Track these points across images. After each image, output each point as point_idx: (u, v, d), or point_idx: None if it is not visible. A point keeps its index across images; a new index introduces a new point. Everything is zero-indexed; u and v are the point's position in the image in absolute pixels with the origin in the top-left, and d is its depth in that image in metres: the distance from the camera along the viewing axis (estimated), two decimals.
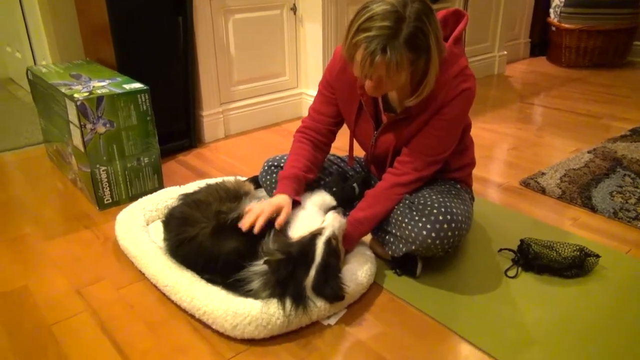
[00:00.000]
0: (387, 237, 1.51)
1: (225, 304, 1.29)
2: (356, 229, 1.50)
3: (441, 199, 1.44)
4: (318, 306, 1.32)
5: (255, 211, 1.41)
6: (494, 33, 3.89)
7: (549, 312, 1.39)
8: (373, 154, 1.61)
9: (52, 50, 2.65)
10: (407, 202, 1.47)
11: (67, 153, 2.08)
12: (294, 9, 2.81)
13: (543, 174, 2.18)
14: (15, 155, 2.53)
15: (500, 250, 1.66)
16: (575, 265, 1.52)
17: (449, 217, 1.39)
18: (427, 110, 1.42)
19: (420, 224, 1.40)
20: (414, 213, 1.43)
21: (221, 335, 1.31)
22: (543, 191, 2.05)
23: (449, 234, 1.38)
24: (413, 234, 1.40)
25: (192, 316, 1.37)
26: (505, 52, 4.06)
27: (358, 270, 1.46)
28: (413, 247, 1.41)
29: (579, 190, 2.02)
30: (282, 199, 1.46)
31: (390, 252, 1.50)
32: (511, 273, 1.55)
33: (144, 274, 1.54)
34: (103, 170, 1.93)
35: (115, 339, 1.31)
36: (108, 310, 1.42)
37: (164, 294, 1.46)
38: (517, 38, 4.46)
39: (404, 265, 1.54)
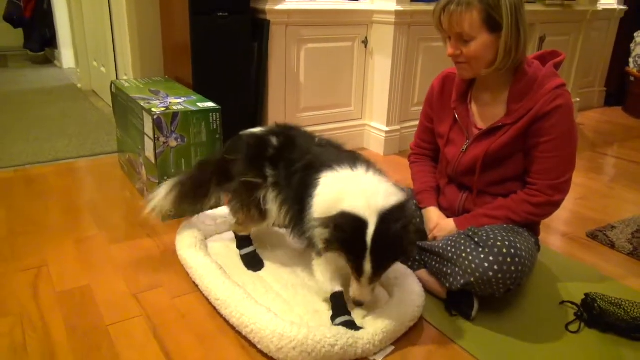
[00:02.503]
0: (444, 269, 1.47)
1: (273, 325, 1.30)
2: (470, 219, 1.56)
3: (504, 234, 1.40)
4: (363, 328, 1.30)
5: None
6: (567, 78, 3.78)
7: None
8: (460, 163, 1.63)
9: (135, 67, 2.82)
10: (469, 233, 1.44)
11: (139, 163, 2.20)
12: (365, 42, 2.87)
13: (613, 227, 2.07)
14: (90, 162, 2.69)
15: (563, 302, 1.58)
16: None
17: (512, 251, 1.34)
18: (523, 119, 1.49)
19: (482, 256, 1.36)
20: (476, 244, 1.39)
21: (267, 356, 1.31)
22: (612, 245, 1.94)
23: (512, 268, 1.34)
24: (473, 265, 1.36)
25: (240, 333, 1.38)
26: (578, 99, 3.94)
27: (407, 302, 1.42)
28: (472, 279, 1.37)
29: None
30: (435, 212, 1.70)
31: (447, 285, 1.47)
32: (573, 328, 1.46)
33: (198, 286, 1.58)
34: None
35: (166, 347, 1.34)
36: (161, 317, 1.46)
37: (215, 308, 1.48)
38: (592, 86, 4.31)
39: (459, 305, 1.49)
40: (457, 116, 1.64)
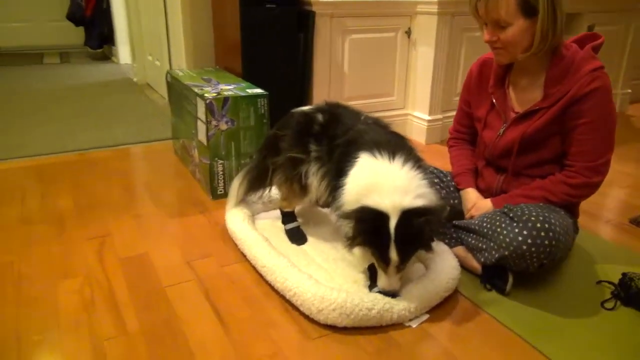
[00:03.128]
0: (480, 244, 1.53)
1: (315, 289, 1.39)
2: (507, 199, 1.59)
3: (539, 210, 1.44)
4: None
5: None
6: (617, 69, 3.70)
7: (630, 347, 1.32)
8: (496, 146, 1.67)
9: (188, 58, 2.99)
10: (505, 210, 1.49)
11: (191, 147, 2.34)
12: (408, 33, 2.92)
13: None
14: (146, 148, 2.88)
15: (600, 282, 1.60)
16: None
17: (546, 225, 1.39)
18: (560, 101, 1.51)
19: (516, 230, 1.41)
20: (511, 219, 1.44)
21: (308, 317, 1.41)
22: None
23: (546, 242, 1.38)
24: (508, 239, 1.42)
25: (284, 297, 1.49)
26: (630, 91, 3.84)
27: (441, 274, 1.49)
28: (506, 253, 1.42)
29: None
30: (473, 192, 1.75)
31: (482, 260, 1.52)
32: (608, 305, 1.49)
33: (245, 257, 1.70)
34: (220, 164, 2.14)
35: (216, 306, 1.47)
36: (212, 282, 1.59)
37: (261, 276, 1.59)
38: None
39: (494, 280, 1.54)
40: (494, 100, 1.69)
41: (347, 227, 1.39)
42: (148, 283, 1.58)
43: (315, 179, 1.65)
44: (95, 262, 1.69)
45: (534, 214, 1.42)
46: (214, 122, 2.07)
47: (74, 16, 5.65)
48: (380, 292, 1.42)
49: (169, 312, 1.44)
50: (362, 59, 2.86)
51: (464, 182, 1.79)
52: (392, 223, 1.30)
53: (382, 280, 1.40)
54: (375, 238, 1.33)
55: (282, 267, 1.52)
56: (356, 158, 1.45)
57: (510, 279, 1.51)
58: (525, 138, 1.59)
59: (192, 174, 2.44)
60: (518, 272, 1.51)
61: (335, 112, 1.66)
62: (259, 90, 2.17)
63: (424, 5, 2.80)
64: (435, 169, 1.88)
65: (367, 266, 1.53)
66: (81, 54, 6.15)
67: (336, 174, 1.53)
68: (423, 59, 2.92)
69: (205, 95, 2.06)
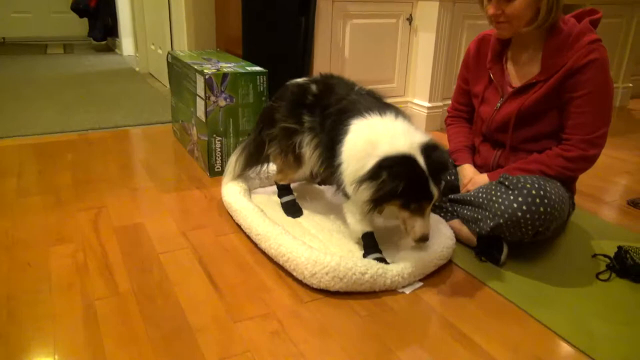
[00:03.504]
0: (475, 214, 1.52)
1: (308, 253, 1.39)
2: (502, 173, 1.56)
3: (535, 179, 1.44)
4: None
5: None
6: (619, 63, 3.70)
7: (628, 315, 1.31)
8: (493, 120, 1.67)
9: (190, 43, 3.00)
10: (500, 179, 1.49)
11: (190, 125, 2.34)
12: (409, 19, 2.92)
13: None
14: (145, 129, 2.88)
15: (595, 255, 1.59)
16: None
17: (541, 192, 1.38)
18: (557, 74, 1.51)
19: (511, 197, 1.40)
20: (506, 188, 1.44)
21: (301, 283, 1.40)
22: None
23: (541, 209, 1.37)
24: (503, 207, 1.41)
25: (277, 264, 1.48)
26: (631, 85, 3.83)
27: (436, 243, 1.48)
28: (501, 221, 1.41)
29: None
30: (470, 168, 1.75)
31: (477, 230, 1.51)
32: (603, 277, 1.48)
33: (241, 228, 1.69)
34: (218, 140, 2.14)
35: (210, 272, 1.46)
36: (206, 250, 1.58)
37: (255, 245, 1.59)
38: None
39: (489, 251, 1.54)
40: (492, 75, 1.68)
41: (367, 190, 1.33)
42: (142, 249, 1.57)
43: (308, 150, 1.65)
44: (90, 230, 1.68)
45: (529, 181, 1.42)
46: (212, 98, 2.07)
47: (78, 7, 5.67)
48: (419, 240, 1.37)
49: (162, 276, 1.43)
50: (363, 45, 2.86)
51: (461, 159, 1.79)
52: (420, 160, 1.31)
53: (419, 226, 1.36)
54: (411, 180, 1.31)
55: (277, 233, 1.51)
56: (348, 126, 1.45)
57: (505, 249, 1.50)
58: (522, 111, 1.59)
59: (190, 153, 2.44)
60: (513, 242, 1.50)
61: (328, 83, 1.66)
62: (258, 68, 2.18)
63: None
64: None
65: (361, 236, 1.52)
66: (84, 45, 6.17)
67: (328, 144, 1.53)
68: (424, 46, 2.92)
69: (205, 71, 2.06)
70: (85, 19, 5.94)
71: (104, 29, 5.83)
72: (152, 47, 4.33)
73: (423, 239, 1.37)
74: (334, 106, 1.56)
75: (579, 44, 1.50)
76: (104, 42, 6.06)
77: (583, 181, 1.71)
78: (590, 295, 1.40)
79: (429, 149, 1.34)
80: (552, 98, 1.55)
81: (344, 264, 1.35)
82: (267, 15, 2.53)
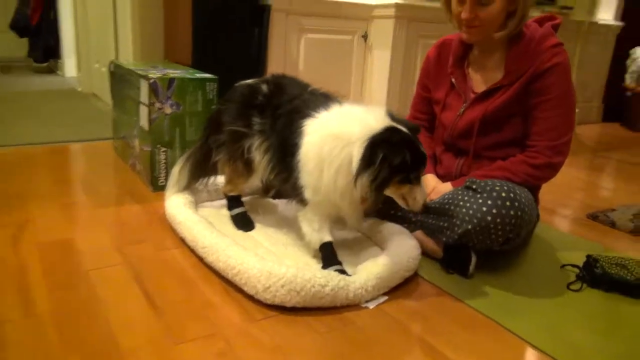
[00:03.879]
0: (441, 223, 1.42)
1: (261, 264, 1.23)
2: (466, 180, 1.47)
3: (503, 182, 1.36)
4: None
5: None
6: None
7: (618, 328, 1.23)
8: (456, 126, 1.60)
9: (135, 55, 2.83)
10: (467, 184, 1.40)
11: (132, 136, 2.16)
12: (365, 37, 2.89)
13: (613, 210, 2.02)
14: (85, 145, 2.66)
15: (564, 266, 1.51)
16: None
17: (511, 195, 1.30)
18: (522, 78, 1.47)
19: (480, 201, 1.31)
20: (474, 191, 1.35)
21: (253, 299, 1.24)
22: (613, 225, 1.89)
23: (511, 213, 1.29)
24: (471, 211, 1.31)
25: (226, 279, 1.32)
26: (577, 110, 3.94)
27: (401, 253, 1.36)
28: (469, 227, 1.31)
29: None
30: (432, 178, 1.66)
31: (444, 239, 1.41)
32: (575, 287, 1.40)
33: (185, 241, 1.52)
34: (163, 151, 1.97)
35: (147, 289, 1.28)
36: (144, 266, 1.40)
37: (201, 259, 1.42)
38: (590, 100, 4.33)
39: (456, 262, 1.43)
40: (453, 80, 1.63)
41: (369, 177, 1.20)
42: (67, 266, 1.37)
43: (258, 154, 1.52)
44: (7, 245, 1.46)
45: (498, 184, 1.34)
46: (157, 105, 1.91)
47: (18, 25, 5.37)
48: (423, 208, 1.29)
49: (89, 294, 1.24)
50: (318, 60, 2.79)
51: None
52: (400, 127, 1.24)
53: (420, 194, 1.27)
54: (409, 148, 1.21)
55: (225, 245, 1.35)
56: (301, 127, 1.33)
57: (474, 259, 1.40)
58: (486, 116, 1.53)
59: (131, 167, 2.24)
60: (481, 251, 1.41)
61: (280, 83, 1.54)
62: (208, 75, 2.04)
63: (381, 9, 2.78)
64: None
65: (319, 246, 1.38)
66: (24, 66, 5.84)
67: (280, 146, 1.41)
68: (379, 63, 2.88)
69: (150, 75, 1.91)
70: (26, 39, 5.63)
71: (45, 49, 5.54)
72: (97, 65, 4.11)
73: (427, 206, 1.32)
74: (286, 106, 1.44)
75: (542, 47, 1.47)
76: (45, 64, 5.76)
77: (542, 196, 1.66)
78: (564, 306, 1.31)
79: (394, 117, 1.27)
80: (516, 103, 1.50)
81: (301, 275, 1.20)
82: (219, 25, 2.42)
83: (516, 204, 1.30)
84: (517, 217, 1.30)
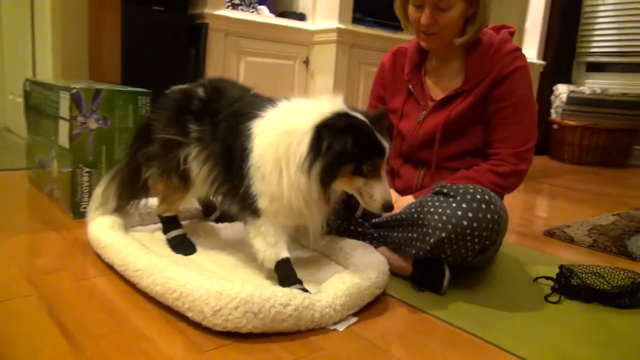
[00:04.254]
0: (409, 234, 1.28)
1: (209, 284, 1.03)
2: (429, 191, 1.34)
3: (477, 186, 1.25)
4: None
5: None
6: None
7: (610, 338, 1.12)
8: (416, 135, 1.50)
9: (56, 77, 2.57)
10: (436, 189, 1.28)
11: (50, 159, 1.89)
12: (306, 62, 2.81)
13: (568, 226, 1.99)
14: None
15: (537, 279, 1.42)
16: (628, 293, 1.28)
17: (487, 197, 1.19)
18: (483, 83, 1.41)
19: (454, 204, 1.19)
20: (446, 196, 1.23)
21: (200, 326, 1.02)
22: (571, 240, 1.84)
23: (488, 216, 1.17)
24: (444, 217, 1.18)
25: (165, 306, 1.09)
26: None
27: (369, 268, 1.20)
28: (443, 234, 1.18)
29: (612, 240, 1.82)
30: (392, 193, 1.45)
31: (413, 252, 1.27)
32: (553, 299, 1.30)
33: (112, 268, 1.28)
34: (86, 172, 1.72)
35: (64, 322, 1.03)
36: (61, 297, 1.14)
37: (134, 285, 1.18)
38: None
39: (427, 279, 1.29)
40: (411, 88, 1.54)
41: (315, 165, 1.08)
42: None
43: (196, 164, 1.33)
44: None
45: (471, 187, 1.23)
46: (80, 119, 1.68)
47: None
48: (383, 208, 1.11)
49: None
50: (258, 83, 2.61)
51: None
52: (355, 113, 1.12)
53: (379, 190, 1.11)
54: (357, 133, 1.07)
55: (163, 265, 1.13)
56: (249, 130, 1.19)
57: (447, 273, 1.27)
58: (448, 123, 1.44)
59: (48, 195, 1.96)
60: (453, 265, 1.28)
61: (218, 86, 1.38)
62: (140, 89, 1.84)
63: (323, 35, 2.73)
64: None
65: (275, 264, 1.20)
66: None
67: (223, 153, 1.24)
68: (321, 88, 2.80)
69: (72, 85, 1.68)
70: None
71: None
72: (11, 97, 3.75)
73: (387, 207, 1.11)
74: (226, 110, 1.28)
75: (502, 52, 1.42)
76: None
77: None
78: (547, 319, 1.19)
79: (353, 107, 1.15)
80: (477, 111, 1.43)
81: (259, 294, 1.01)
82: (152, 44, 2.24)
83: (492, 206, 1.19)
84: (494, 221, 1.19)
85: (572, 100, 4.13)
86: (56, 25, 2.48)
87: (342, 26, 2.66)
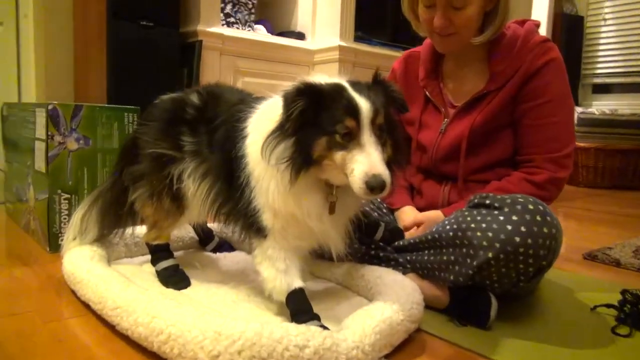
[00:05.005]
0: (445, 257, 1.06)
1: (203, 323, 0.81)
2: (459, 206, 1.15)
3: (527, 195, 1.05)
4: None
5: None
6: None
7: None
8: (439, 146, 1.31)
9: (39, 98, 2.38)
10: (476, 200, 1.07)
11: (26, 186, 1.69)
12: None
13: (610, 248, 1.78)
14: None
15: (595, 307, 1.19)
16: None
17: (540, 207, 0.99)
18: (511, 81, 1.22)
19: (501, 218, 0.98)
20: (489, 207, 1.02)
21: None
22: (617, 263, 1.63)
23: (544, 230, 0.96)
24: (490, 234, 0.97)
25: (150, 352, 0.87)
26: None
27: (402, 298, 0.98)
28: (490, 255, 0.97)
29: None
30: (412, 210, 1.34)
31: (452, 279, 1.05)
32: (622, 331, 1.07)
33: (89, 305, 1.06)
34: (65, 199, 1.51)
35: None
36: (24, 344, 0.92)
37: (113, 327, 0.96)
38: None
39: (469, 311, 1.07)
40: (428, 94, 1.37)
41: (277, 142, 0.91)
42: None
43: (192, 182, 1.13)
44: None
45: (519, 196, 1.03)
46: (57, 138, 1.48)
47: None
48: (369, 184, 0.85)
49: None
50: None
51: (398, 201, 1.38)
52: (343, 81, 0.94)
53: (362, 161, 0.86)
54: (315, 93, 0.89)
55: (147, 302, 0.91)
56: (244, 129, 1.01)
57: (494, 303, 1.05)
58: (474, 130, 1.26)
59: (25, 228, 1.74)
60: (500, 294, 1.06)
61: (214, 91, 1.20)
62: (126, 106, 1.66)
63: (324, 54, 2.59)
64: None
65: (287, 296, 0.98)
66: None
67: (223, 166, 1.05)
68: None
69: (49, 103, 1.49)
70: None
71: None
72: None
73: (374, 183, 0.85)
74: (223, 115, 1.09)
75: (531, 43, 1.25)
76: None
77: None
78: (621, 356, 0.97)
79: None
80: (507, 111, 1.25)
81: (268, 333, 0.79)
82: (140, 58, 2.07)
83: (548, 218, 0.98)
84: (552, 236, 0.98)
85: (582, 121, 3.97)
86: (39, 45, 2.31)
87: (343, 43, 2.51)
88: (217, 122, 1.10)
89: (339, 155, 0.89)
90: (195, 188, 1.13)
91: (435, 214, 1.24)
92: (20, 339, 0.94)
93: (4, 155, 2.03)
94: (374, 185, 0.85)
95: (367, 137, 0.88)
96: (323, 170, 0.92)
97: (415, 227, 1.28)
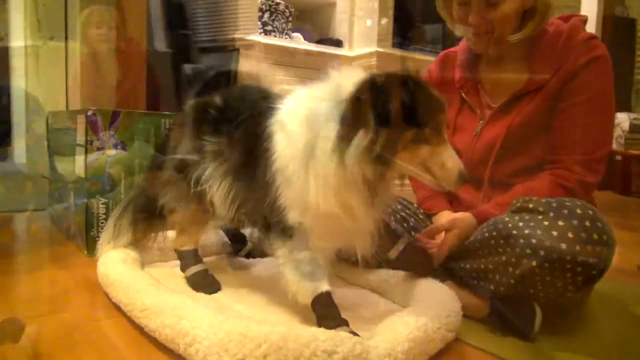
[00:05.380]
0: (483, 266, 1.01)
1: (229, 325, 0.79)
2: (490, 210, 1.10)
3: (574, 199, 0.98)
4: None
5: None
6: None
7: None
8: (474, 149, 1.25)
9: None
10: (518, 204, 1.01)
11: (67, 191, 1.73)
12: None
13: None
14: (16, 216, 2.20)
15: None
16: None
17: (590, 212, 0.92)
18: (553, 80, 1.14)
19: (546, 223, 0.92)
20: (532, 212, 0.96)
21: None
22: None
23: (594, 236, 0.89)
24: (534, 240, 0.91)
25: (177, 354, 0.85)
26: None
27: (438, 306, 0.93)
28: (534, 263, 0.90)
29: None
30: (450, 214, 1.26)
31: (492, 288, 0.99)
32: None
33: (119, 307, 1.06)
34: (102, 204, 1.54)
35: None
36: (54, 343, 0.93)
37: (142, 328, 0.95)
38: None
39: (511, 321, 1.00)
40: (464, 95, 1.32)
41: (353, 143, 0.84)
42: None
43: (213, 183, 1.10)
44: None
45: (566, 200, 0.96)
46: (96, 144, 1.51)
47: None
48: (460, 179, 0.87)
49: None
50: None
51: (436, 205, 1.33)
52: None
53: (451, 158, 0.87)
54: (406, 84, 0.84)
55: (174, 304, 0.90)
56: (269, 127, 0.97)
57: (539, 313, 0.98)
58: (511, 132, 1.19)
59: (66, 233, 1.78)
60: (546, 304, 0.99)
61: (236, 91, 1.20)
62: (164, 112, 1.68)
63: (362, 59, 2.56)
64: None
65: (312, 300, 0.95)
66: None
67: (245, 164, 1.02)
68: None
69: (88, 109, 1.53)
70: None
71: None
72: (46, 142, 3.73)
73: (466, 175, 0.87)
74: (245, 113, 1.07)
75: (575, 41, 1.17)
76: None
77: None
78: None
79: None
80: (548, 112, 1.17)
81: (294, 337, 0.76)
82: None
83: (599, 224, 0.91)
84: (603, 243, 0.90)
85: (635, 127, 3.78)
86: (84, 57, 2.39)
87: (381, 50, 2.48)
88: (238, 121, 1.08)
89: (426, 150, 0.86)
90: (216, 188, 1.11)
91: (467, 220, 1.17)
92: (53, 338, 0.95)
93: (48, 162, 2.10)
94: (465, 178, 0.87)
95: (445, 134, 0.88)
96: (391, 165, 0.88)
97: (443, 232, 1.22)
